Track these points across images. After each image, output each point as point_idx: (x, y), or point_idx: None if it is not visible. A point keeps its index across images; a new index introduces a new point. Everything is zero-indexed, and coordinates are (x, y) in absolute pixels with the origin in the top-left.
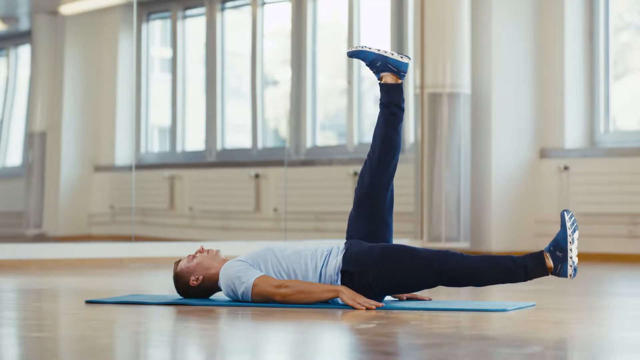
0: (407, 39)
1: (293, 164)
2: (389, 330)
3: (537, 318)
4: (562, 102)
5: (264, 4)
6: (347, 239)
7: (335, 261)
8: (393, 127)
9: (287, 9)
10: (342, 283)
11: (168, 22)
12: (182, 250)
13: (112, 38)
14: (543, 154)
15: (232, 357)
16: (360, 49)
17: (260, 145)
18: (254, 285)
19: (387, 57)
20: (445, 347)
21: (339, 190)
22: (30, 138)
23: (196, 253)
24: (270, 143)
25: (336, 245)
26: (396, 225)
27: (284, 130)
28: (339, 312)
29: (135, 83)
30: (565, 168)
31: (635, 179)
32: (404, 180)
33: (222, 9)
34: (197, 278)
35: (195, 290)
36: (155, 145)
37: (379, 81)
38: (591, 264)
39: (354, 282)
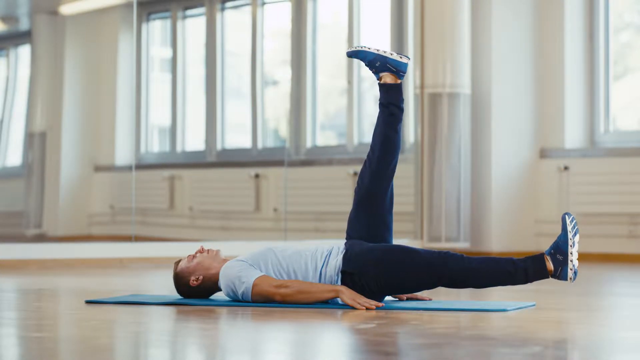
0: (407, 39)
1: (293, 164)
2: (389, 330)
3: (537, 318)
4: (562, 102)
5: (264, 4)
6: (347, 239)
7: (335, 261)
8: (392, 127)
9: (287, 9)
10: (342, 283)
11: (168, 22)
12: (182, 250)
13: (112, 38)
14: (543, 154)
15: (232, 357)
16: (360, 49)
17: (260, 145)
18: (254, 285)
19: (386, 57)
20: (445, 347)
21: (339, 190)
22: (30, 138)
23: (196, 253)
24: (270, 143)
25: (336, 246)
26: (396, 225)
27: (284, 130)
28: (339, 312)
29: (135, 83)
30: (565, 168)
31: (635, 179)
32: (404, 180)
33: (222, 9)
34: (197, 278)
35: (196, 290)
36: (155, 145)
37: (378, 81)
38: (591, 264)
39: (354, 282)
